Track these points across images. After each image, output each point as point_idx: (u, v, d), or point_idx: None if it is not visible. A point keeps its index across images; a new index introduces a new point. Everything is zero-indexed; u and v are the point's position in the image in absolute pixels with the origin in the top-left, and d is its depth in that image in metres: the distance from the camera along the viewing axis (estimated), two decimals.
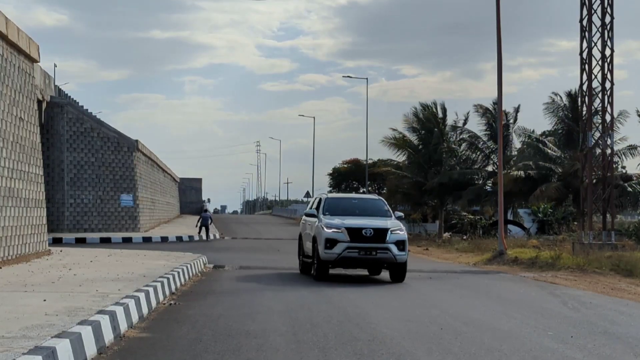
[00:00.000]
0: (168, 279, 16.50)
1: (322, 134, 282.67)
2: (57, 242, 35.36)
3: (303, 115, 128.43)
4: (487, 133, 55.64)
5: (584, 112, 35.67)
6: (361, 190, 74.58)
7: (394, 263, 18.57)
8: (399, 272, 18.82)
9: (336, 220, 18.73)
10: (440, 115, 59.78)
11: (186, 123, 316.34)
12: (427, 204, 60.87)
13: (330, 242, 17.95)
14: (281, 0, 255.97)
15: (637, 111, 45.77)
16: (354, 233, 18.17)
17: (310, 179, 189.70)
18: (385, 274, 20.32)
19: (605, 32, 34.49)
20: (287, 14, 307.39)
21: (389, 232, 18.49)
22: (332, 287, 17.92)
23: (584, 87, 35.07)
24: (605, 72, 34.63)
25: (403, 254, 18.65)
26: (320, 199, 21.00)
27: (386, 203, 21.72)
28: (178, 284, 17.40)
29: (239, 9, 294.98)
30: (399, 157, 62.69)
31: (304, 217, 21.67)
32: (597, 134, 35.61)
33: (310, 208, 21.33)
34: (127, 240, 41.61)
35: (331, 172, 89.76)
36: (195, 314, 13.16)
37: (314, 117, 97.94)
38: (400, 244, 18.67)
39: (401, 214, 21.40)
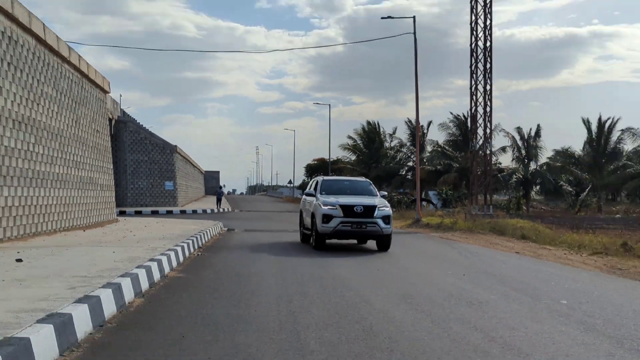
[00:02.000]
0: (197, 237, 16.46)
1: (300, 142, 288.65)
2: (122, 214, 35.18)
3: (287, 129, 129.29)
4: (409, 140, 56.28)
5: (473, 127, 35.94)
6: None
7: (380, 235, 15.73)
8: (384, 242, 15.92)
9: (331, 199, 15.99)
10: (378, 129, 61.07)
11: (208, 134, 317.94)
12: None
13: (327, 218, 15.36)
14: (272, 53, 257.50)
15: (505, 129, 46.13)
16: (347, 209, 15.44)
17: (292, 171, 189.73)
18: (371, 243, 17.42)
19: (486, 74, 34.71)
20: (276, 62, 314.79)
21: (377, 208, 15.64)
22: (305, 249, 17.88)
23: (473, 111, 35.37)
24: (486, 100, 34.88)
25: (388, 227, 15.72)
26: (317, 181, 18.05)
27: (372, 184, 18.54)
28: (203, 241, 17.36)
29: (243, 58, 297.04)
30: (351, 157, 63.52)
31: (303, 196, 18.77)
32: (481, 141, 35.91)
33: (309, 189, 18.32)
34: (169, 212, 41.63)
35: (305, 166, 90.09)
36: (215, 262, 13.15)
37: (294, 130, 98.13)
38: (386, 219, 15.70)
39: (385, 193, 18.79)
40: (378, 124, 62.63)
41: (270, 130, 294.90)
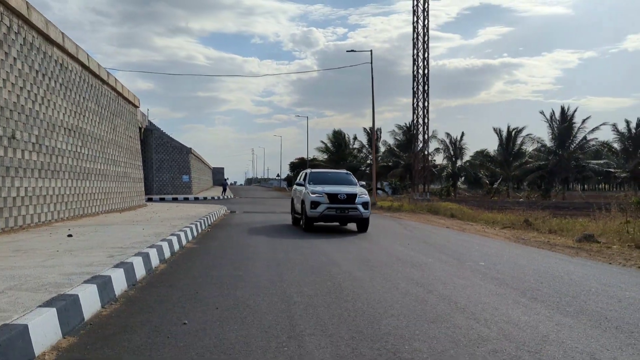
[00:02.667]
0: (206, 217, 16.31)
1: (285, 145, 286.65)
2: (149, 200, 34.72)
3: (275, 135, 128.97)
4: (367, 143, 56.33)
5: (415, 134, 36.10)
6: None
7: (361, 218, 14.26)
8: (364, 224, 14.50)
9: (318, 188, 14.42)
10: (344, 135, 60.93)
11: (216, 139, 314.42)
12: None
13: (315, 204, 13.92)
14: (263, 77, 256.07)
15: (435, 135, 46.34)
16: (332, 197, 13.92)
17: (279, 167, 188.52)
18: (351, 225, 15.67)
19: (425, 94, 34.89)
20: (267, 84, 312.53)
21: (358, 196, 14.13)
22: (295, 229, 17.81)
23: (415, 122, 35.53)
24: (425, 114, 35.06)
25: (367, 212, 14.27)
26: (306, 173, 16.31)
27: (353, 175, 16.75)
28: (212, 220, 17.21)
29: (242, 81, 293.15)
30: (324, 156, 63.29)
31: (294, 186, 16.90)
32: (421, 145, 36.10)
33: (299, 180, 16.45)
34: (186, 199, 41.06)
35: (289, 164, 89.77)
36: (221, 235, 13.04)
37: (281, 136, 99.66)
38: (365, 205, 14.21)
39: (364, 182, 16.64)
40: (343, 132, 62.82)
41: (263, 135, 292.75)
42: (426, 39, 34.85)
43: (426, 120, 35.28)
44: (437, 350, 3.93)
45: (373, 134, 37.43)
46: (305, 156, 72.86)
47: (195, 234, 12.48)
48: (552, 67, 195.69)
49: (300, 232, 13.95)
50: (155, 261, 7.72)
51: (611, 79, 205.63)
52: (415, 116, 35.37)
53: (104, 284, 5.32)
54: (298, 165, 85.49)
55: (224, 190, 50.62)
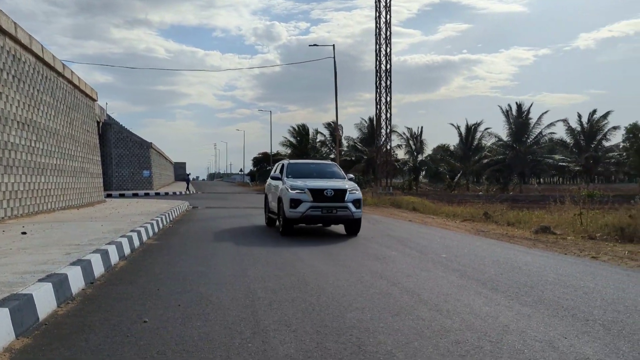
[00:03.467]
0: (168, 213, 15.99)
1: (248, 139, 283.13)
2: (108, 196, 33.77)
3: (238, 130, 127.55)
4: (331, 138, 56.49)
5: (377, 128, 36.40)
6: (268, 168, 73.78)
7: (351, 219, 11.75)
8: (354, 226, 12.00)
9: (299, 182, 11.95)
10: (307, 130, 60.89)
11: (177, 134, 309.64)
12: None
13: (295, 202, 11.44)
14: (225, 72, 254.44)
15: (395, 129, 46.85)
16: (316, 193, 11.46)
17: (242, 162, 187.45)
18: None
19: (387, 89, 35.17)
20: (229, 78, 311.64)
21: (348, 192, 11.66)
22: (253, 221, 17.64)
23: (377, 117, 35.81)
24: (387, 109, 35.36)
25: (359, 211, 11.80)
26: (283, 164, 13.63)
27: (339, 167, 14.21)
28: (173, 216, 16.89)
29: (204, 75, 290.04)
30: (287, 151, 63.00)
31: (269, 180, 14.31)
32: (383, 139, 36.41)
33: (275, 172, 13.89)
34: (146, 194, 40.20)
35: (253, 159, 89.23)
36: (183, 231, 12.80)
37: (244, 131, 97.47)
38: (357, 202, 11.75)
39: (352, 175, 14.12)
40: (307, 126, 62.61)
41: (225, 130, 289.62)
42: (388, 34, 35.13)
43: (388, 115, 35.61)
44: (402, 342, 3.95)
45: (336, 129, 37.52)
46: (268, 151, 72.58)
47: (156, 230, 12.20)
48: (509, 63, 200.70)
49: (262, 226, 13.80)
50: (114, 258, 7.50)
51: (564, 76, 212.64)
52: (377, 111, 35.64)
53: (59, 283, 5.12)
54: (261, 160, 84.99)
55: (188, 184, 50.36)
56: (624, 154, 52.67)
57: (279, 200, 12.25)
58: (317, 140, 61.25)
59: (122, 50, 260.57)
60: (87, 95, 23.36)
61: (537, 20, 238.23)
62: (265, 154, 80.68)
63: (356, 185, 12.38)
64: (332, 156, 57.51)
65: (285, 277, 6.52)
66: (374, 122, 40.72)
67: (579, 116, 54.01)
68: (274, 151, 72.09)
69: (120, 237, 8.90)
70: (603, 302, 5.28)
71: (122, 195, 37.67)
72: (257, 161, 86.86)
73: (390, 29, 35.15)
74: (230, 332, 4.20)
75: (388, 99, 35.28)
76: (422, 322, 4.51)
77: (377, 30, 35.18)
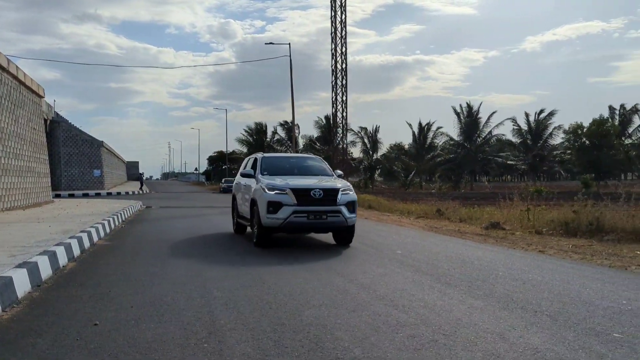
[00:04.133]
0: (120, 213, 15.52)
1: (203, 138, 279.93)
2: (57, 196, 32.52)
3: (193, 128, 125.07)
4: (286, 136, 56.38)
5: (334, 127, 36.57)
6: (224, 167, 72.65)
7: (344, 227, 9.42)
8: (347, 235, 9.71)
9: (278, 181, 9.48)
10: (264, 128, 60.59)
11: (130, 132, 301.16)
12: None
13: (274, 206, 9.00)
14: (179, 69, 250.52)
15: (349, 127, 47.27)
16: (301, 195, 9.02)
17: (197, 161, 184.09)
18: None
19: (343, 88, 35.40)
20: (183, 76, 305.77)
21: (340, 192, 9.31)
22: (211, 219, 17.33)
23: (333, 116, 35.97)
24: (343, 108, 35.58)
25: (354, 216, 9.47)
26: (256, 158, 11.00)
27: (324, 161, 11.56)
28: (126, 216, 16.41)
29: (157, 72, 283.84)
30: (244, 149, 62.54)
31: (238, 177, 11.85)
32: (340, 138, 36.61)
33: (245, 168, 11.49)
34: (97, 194, 38.94)
35: (208, 158, 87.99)
36: (136, 231, 12.46)
37: (199, 130, 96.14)
38: (351, 206, 9.39)
39: (341, 172, 11.00)
40: (264, 124, 62.27)
41: (180, 129, 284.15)
42: (344, 33, 35.35)
43: (345, 114, 35.86)
44: (358, 338, 3.96)
45: (293, 127, 37.43)
46: (224, 149, 71.68)
47: (108, 230, 11.82)
48: (461, 64, 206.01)
49: (217, 223, 13.55)
50: (63, 260, 7.20)
51: (512, 77, 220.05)
52: (334, 110, 35.83)
53: (4, 286, 4.87)
54: (217, 159, 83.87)
55: (141, 184, 49.32)
56: (567, 151, 55.02)
57: (253, 202, 9.68)
58: (275, 139, 61.06)
59: (70, 45, 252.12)
60: (33, 91, 22.40)
61: (487, 23, 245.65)
62: (220, 153, 79.79)
63: (349, 184, 9.95)
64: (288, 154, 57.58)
65: (242, 276, 6.44)
66: (331, 121, 40.89)
67: (527, 115, 56.00)
68: (230, 150, 71.39)
69: (70, 238, 8.57)
70: (550, 294, 5.47)
71: (71, 196, 36.33)
72: (212, 160, 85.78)
73: (345, 28, 35.42)
74: (185, 332, 4.10)
75: (344, 98, 35.54)
76: (378, 317, 4.54)
77: (333, 30, 35.36)
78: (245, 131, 61.45)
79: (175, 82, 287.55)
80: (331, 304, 5.02)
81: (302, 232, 10.21)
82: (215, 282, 6.06)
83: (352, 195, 9.51)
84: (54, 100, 72.38)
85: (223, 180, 52.32)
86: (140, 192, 45.70)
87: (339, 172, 10.77)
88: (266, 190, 9.19)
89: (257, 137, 60.24)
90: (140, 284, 5.96)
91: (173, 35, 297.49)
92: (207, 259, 7.90)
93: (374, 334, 4.06)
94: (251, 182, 10.18)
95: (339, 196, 9.19)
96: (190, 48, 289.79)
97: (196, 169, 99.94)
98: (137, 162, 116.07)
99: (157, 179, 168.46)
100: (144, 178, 60.96)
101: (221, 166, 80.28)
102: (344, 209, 9.15)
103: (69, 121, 48.83)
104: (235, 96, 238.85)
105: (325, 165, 11.06)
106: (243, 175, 10.99)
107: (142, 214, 19.08)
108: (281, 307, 4.87)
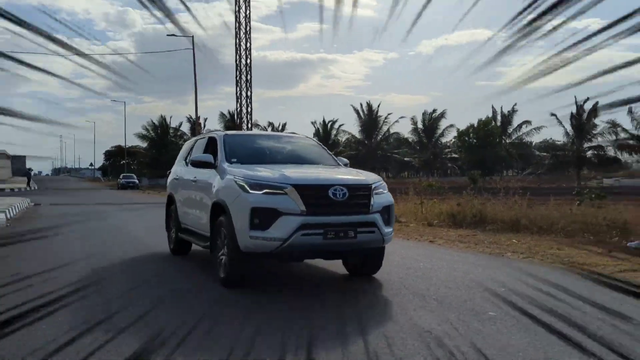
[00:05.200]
0: (5, 212, 14.28)
1: (100, 131, 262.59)
2: None
3: (88, 121, 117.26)
4: (190, 131, 55.15)
5: (239, 122, 36.24)
6: (122, 162, 69.03)
7: (379, 247, 5.60)
8: (376, 257, 5.88)
9: (264, 172, 5.24)
10: (167, 122, 58.74)
11: (15, 125, 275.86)
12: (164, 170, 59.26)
13: (264, 216, 4.76)
14: (72, 59, 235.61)
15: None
16: (313, 196, 4.89)
17: (93, 156, 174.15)
18: None
19: (248, 84, 35.18)
20: (77, 65, 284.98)
21: (373, 191, 5.28)
22: (119, 222, 16.47)
23: (238, 111, 35.66)
24: (248, 103, 35.39)
25: (390, 230, 5.45)
26: (214, 139, 6.53)
27: (321, 144, 7.48)
28: (11, 214, 15.10)
29: (47, 60, 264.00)
30: (145, 144, 60.03)
31: (178, 168, 7.79)
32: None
33: (195, 155, 6.89)
34: None
35: (105, 152, 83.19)
36: (23, 230, 11.56)
37: (94, 122, 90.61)
38: (386, 213, 5.35)
39: (346, 160, 7.08)
40: (167, 118, 60.01)
41: (73, 121, 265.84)
42: (248, 29, 35.05)
43: (249, 110, 35.64)
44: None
45: (197, 123, 36.47)
46: (123, 144, 68.26)
47: None
48: (362, 65, 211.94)
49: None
50: None
51: (410, 78, 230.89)
52: (239, 105, 35.47)
53: None
54: (114, 154, 79.54)
55: (29, 180, 45.71)
56: (457, 149, 58.91)
57: (216, 209, 5.63)
58: (178, 133, 59.17)
59: None
60: None
61: (386, 26, 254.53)
62: (119, 147, 75.80)
63: (379, 178, 5.82)
64: None
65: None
66: (235, 117, 40.48)
67: (423, 114, 59.11)
68: (130, 144, 68.18)
69: None
70: (437, 280, 5.91)
71: None
72: (109, 155, 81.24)
73: (250, 23, 35.11)
74: None
75: (249, 93, 35.30)
76: None
77: (237, 24, 34.93)
78: (148, 124, 58.82)
79: (67, 71, 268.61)
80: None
81: (312, 257, 5.85)
82: (109, 273, 5.83)
83: (388, 196, 5.67)
84: None
85: (121, 176, 49.93)
86: (28, 188, 42.40)
87: (344, 160, 7.10)
88: (247, 187, 5.11)
89: (158, 132, 57.94)
90: (30, 284, 5.59)
91: (65, 21, 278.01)
92: (102, 259, 7.53)
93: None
94: (209, 174, 6.08)
95: (373, 198, 5.33)
96: (84, 36, 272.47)
97: (91, 164, 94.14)
98: (24, 157, 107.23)
99: (47, 175, 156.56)
100: (32, 174, 56.56)
101: (119, 161, 76.36)
102: (379, 219, 5.30)
103: None
104: (135, 88, 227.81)
105: (325, 150, 7.25)
106: (193, 163, 6.58)
107: (31, 211, 17.76)
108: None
